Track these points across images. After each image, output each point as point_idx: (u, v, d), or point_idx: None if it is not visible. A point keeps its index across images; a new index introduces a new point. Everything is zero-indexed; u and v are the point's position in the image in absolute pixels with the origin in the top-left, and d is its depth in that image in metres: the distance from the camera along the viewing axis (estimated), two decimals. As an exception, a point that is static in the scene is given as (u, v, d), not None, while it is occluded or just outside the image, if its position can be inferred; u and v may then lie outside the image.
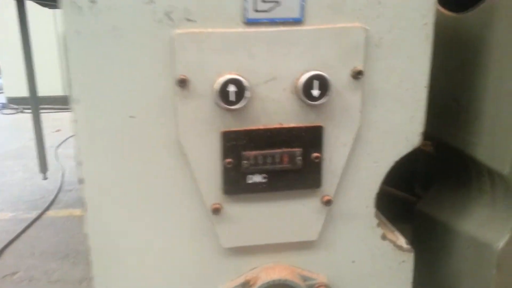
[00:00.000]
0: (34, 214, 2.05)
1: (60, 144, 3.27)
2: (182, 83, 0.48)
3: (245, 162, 0.52)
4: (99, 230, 0.53)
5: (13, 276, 1.59)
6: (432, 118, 0.59)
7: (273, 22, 0.49)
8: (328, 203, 0.56)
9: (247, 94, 0.49)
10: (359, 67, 0.51)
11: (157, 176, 0.52)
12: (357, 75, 0.51)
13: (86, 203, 0.51)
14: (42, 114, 2.20)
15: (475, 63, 0.63)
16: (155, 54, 0.48)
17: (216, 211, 0.53)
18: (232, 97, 0.49)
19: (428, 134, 0.60)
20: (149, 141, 0.51)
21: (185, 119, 0.50)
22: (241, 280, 0.55)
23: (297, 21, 0.50)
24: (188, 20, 0.48)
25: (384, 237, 0.62)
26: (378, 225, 0.61)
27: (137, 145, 0.51)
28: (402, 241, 0.63)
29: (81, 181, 0.50)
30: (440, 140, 0.76)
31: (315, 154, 0.53)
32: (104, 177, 0.51)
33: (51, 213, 2.10)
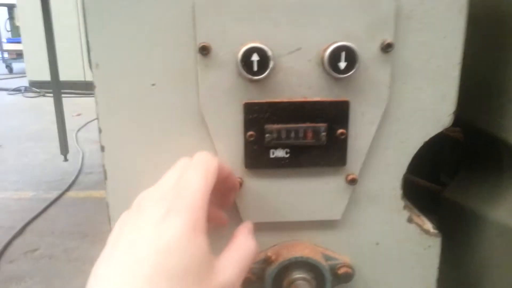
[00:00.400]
0: (54, 195, 2.10)
1: (80, 128, 3.33)
2: (204, 50, 0.47)
3: (268, 135, 0.50)
4: (119, 198, 0.52)
5: (34, 253, 1.63)
6: (461, 101, 0.56)
7: (299, -10, 0.47)
8: (352, 182, 0.54)
9: (271, 64, 0.47)
10: (389, 39, 0.49)
11: (177, 147, 0.51)
12: (387, 48, 0.48)
13: (106, 170, 0.51)
14: (63, 98, 2.23)
15: (510, 41, 0.59)
16: (177, 19, 0.47)
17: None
18: (255, 67, 0.47)
19: (456, 119, 0.57)
20: (170, 110, 0.50)
21: (206, 88, 0.49)
22: (261, 256, 0.54)
23: (324, -12, 0.47)
24: (213, -13, 0.46)
25: (410, 220, 0.59)
26: (404, 207, 0.59)
27: (158, 114, 0.50)
28: (429, 225, 0.60)
29: (102, 148, 0.50)
30: (469, 125, 0.73)
31: (341, 131, 0.51)
32: (124, 145, 0.50)
33: (71, 194, 2.15)
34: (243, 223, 0.47)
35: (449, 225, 0.74)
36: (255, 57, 0.47)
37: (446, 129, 0.78)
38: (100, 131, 0.50)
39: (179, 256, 0.34)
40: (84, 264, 1.51)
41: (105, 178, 0.51)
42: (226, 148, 0.51)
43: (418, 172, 0.87)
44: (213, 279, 0.37)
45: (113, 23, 0.47)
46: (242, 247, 0.43)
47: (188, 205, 0.37)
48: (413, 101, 0.53)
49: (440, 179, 0.88)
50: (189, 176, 0.40)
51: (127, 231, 0.37)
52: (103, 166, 0.51)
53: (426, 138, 0.55)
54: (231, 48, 0.47)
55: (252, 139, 0.50)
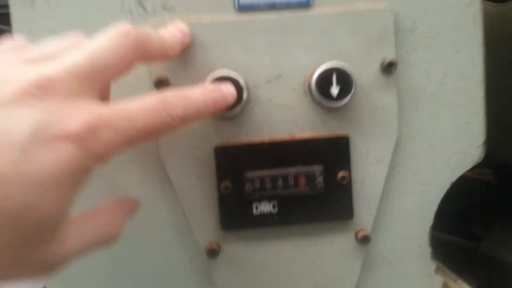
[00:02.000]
0: None
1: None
2: (160, 84, 0.38)
3: (248, 185, 0.39)
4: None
5: None
6: (490, 134, 0.45)
7: (272, 7, 0.39)
8: (364, 240, 0.41)
9: (245, 95, 0.38)
10: (390, 57, 0.39)
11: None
12: (388, 68, 0.39)
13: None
14: None
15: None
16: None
17: (213, 253, 0.40)
18: (225, 100, 0.37)
19: (484, 159, 0.45)
20: (126, 157, 0.40)
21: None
22: None
23: (303, 4, 0.39)
24: (165, 8, 0.39)
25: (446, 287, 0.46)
26: (437, 271, 0.45)
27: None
28: (470, 293, 0.46)
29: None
30: (502, 164, 0.61)
31: (342, 174, 0.40)
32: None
33: None
34: (128, 200, 0.35)
35: (489, 286, 0.61)
36: (224, 89, 0.37)
37: (474, 172, 0.66)
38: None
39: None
40: None
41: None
42: (196, 205, 0.40)
43: (444, 226, 0.73)
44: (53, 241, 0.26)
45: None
46: (102, 227, 0.31)
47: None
48: (429, 132, 0.42)
49: (473, 232, 0.73)
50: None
51: None
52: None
53: (453, 179, 0.44)
54: (193, 79, 0.38)
55: (228, 191, 0.40)
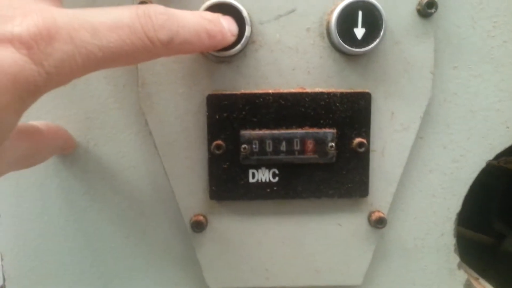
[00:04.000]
0: None
1: None
2: (143, 9, 0.30)
3: (245, 147, 0.32)
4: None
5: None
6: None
7: None
8: (379, 223, 0.34)
9: (247, 31, 0.30)
10: (430, -3, 0.32)
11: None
12: (427, 8, 0.31)
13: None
14: None
15: None
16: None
17: (198, 226, 0.33)
18: (223, 36, 0.30)
19: None
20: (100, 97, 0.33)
21: (149, 71, 0.32)
22: None
23: None
24: None
25: (468, 286, 0.39)
26: (459, 266, 0.38)
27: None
28: (497, 293, 0.39)
29: None
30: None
31: (358, 140, 0.33)
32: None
33: None
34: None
35: (510, 285, 0.54)
36: (222, 21, 0.30)
37: (501, 160, 0.59)
38: None
39: None
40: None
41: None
42: (180, 169, 0.33)
43: (463, 221, 0.66)
44: None
45: None
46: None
47: None
48: (469, 95, 0.35)
49: (494, 228, 0.66)
50: None
51: None
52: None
53: (491, 156, 0.36)
54: (184, 5, 0.31)
55: (220, 152, 0.32)
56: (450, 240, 0.38)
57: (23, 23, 0.20)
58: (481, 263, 0.54)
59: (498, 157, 0.38)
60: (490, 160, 0.36)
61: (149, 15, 0.23)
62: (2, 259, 0.36)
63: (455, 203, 0.37)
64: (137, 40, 0.23)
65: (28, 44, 0.20)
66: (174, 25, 0.24)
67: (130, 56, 0.23)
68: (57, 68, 0.20)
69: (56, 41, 0.20)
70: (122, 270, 0.36)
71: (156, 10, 0.24)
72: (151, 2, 0.30)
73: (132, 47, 0.22)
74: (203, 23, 0.26)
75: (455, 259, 0.39)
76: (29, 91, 0.20)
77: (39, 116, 0.33)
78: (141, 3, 0.29)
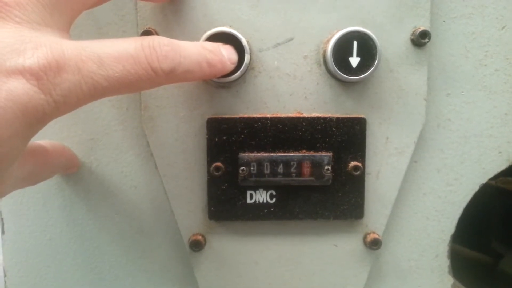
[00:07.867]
0: None
1: None
2: (147, 37, 0.32)
3: (243, 169, 0.33)
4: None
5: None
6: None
7: (289, -44, 0.33)
8: (374, 244, 0.35)
9: (247, 59, 0.31)
10: (423, 26, 0.33)
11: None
12: (421, 38, 0.32)
13: None
14: None
15: None
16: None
17: (197, 245, 0.34)
18: (223, 63, 0.31)
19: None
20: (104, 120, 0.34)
21: (151, 95, 0.33)
22: None
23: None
24: None
25: (463, 308, 0.39)
26: (454, 287, 0.39)
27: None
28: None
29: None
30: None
31: (354, 163, 0.34)
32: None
33: None
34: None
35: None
36: (222, 49, 0.31)
37: (498, 180, 0.59)
38: None
39: None
40: None
41: None
42: (179, 189, 0.34)
43: (461, 240, 0.66)
44: None
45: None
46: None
47: None
48: (462, 121, 0.36)
49: (492, 248, 0.67)
50: None
51: None
52: None
53: (483, 180, 0.37)
54: (187, 35, 0.32)
55: (219, 173, 0.33)
56: (444, 262, 0.38)
57: (33, 56, 0.21)
58: (478, 282, 0.55)
59: (495, 177, 0.38)
60: (486, 181, 0.37)
61: (153, 46, 0.24)
62: (5, 275, 0.37)
63: (449, 225, 0.38)
64: (141, 70, 0.24)
65: (38, 75, 0.21)
66: (176, 56, 0.25)
67: (133, 85, 0.24)
68: (64, 97, 0.22)
69: (64, 72, 0.21)
70: (122, 287, 0.37)
71: (160, 42, 0.25)
72: (155, 31, 0.31)
73: (136, 77, 0.24)
74: (204, 53, 0.27)
75: (449, 280, 0.39)
76: (37, 118, 0.21)
77: (45, 136, 0.35)
78: (145, 32, 0.30)
